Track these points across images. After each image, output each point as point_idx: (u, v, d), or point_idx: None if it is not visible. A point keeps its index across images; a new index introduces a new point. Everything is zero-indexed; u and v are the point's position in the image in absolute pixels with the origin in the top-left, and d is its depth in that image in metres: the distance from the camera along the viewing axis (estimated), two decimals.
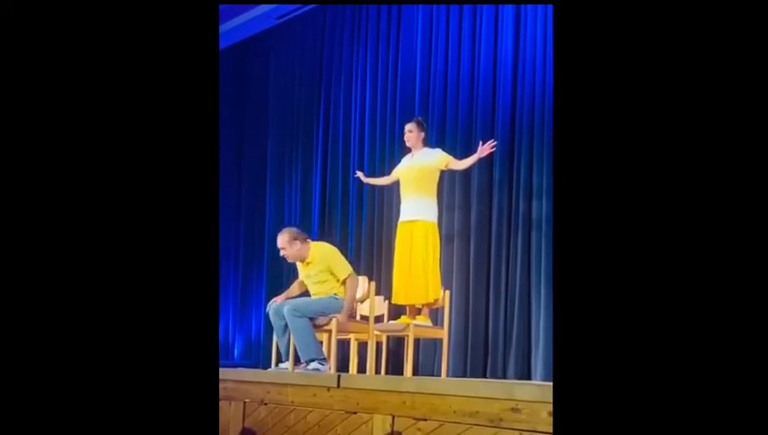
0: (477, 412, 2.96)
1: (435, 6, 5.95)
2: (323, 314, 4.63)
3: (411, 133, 4.93)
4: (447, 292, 4.91)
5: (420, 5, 6.09)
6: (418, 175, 4.85)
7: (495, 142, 4.79)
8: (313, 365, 4.49)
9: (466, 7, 5.73)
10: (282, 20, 7.34)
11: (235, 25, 7.58)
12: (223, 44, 7.99)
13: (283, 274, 7.04)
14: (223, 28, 7.70)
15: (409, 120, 5.08)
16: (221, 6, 7.29)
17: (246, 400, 4.11)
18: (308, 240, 4.84)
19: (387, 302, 5.19)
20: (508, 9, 5.46)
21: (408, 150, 5.00)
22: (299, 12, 7.14)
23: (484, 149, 4.70)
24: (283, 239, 4.75)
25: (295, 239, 4.73)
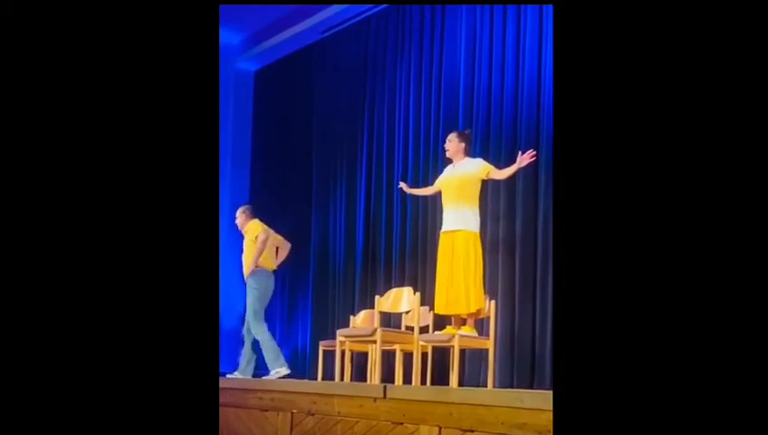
0: (525, 424, 2.94)
1: (478, 15, 5.94)
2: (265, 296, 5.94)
3: (451, 143, 4.94)
4: (493, 302, 4.88)
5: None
6: (459, 185, 4.84)
7: (535, 152, 4.76)
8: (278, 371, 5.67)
9: (510, 14, 5.71)
10: (326, 34, 7.44)
11: (279, 41, 7.71)
12: (269, 60, 8.14)
13: (329, 284, 7.10)
14: (268, 44, 7.83)
15: (452, 131, 5.10)
16: (255, 22, 7.45)
17: (294, 410, 4.15)
18: (253, 218, 6.16)
19: (432, 312, 5.19)
20: (552, 13, 5.41)
21: (451, 160, 5.02)
22: (343, 26, 7.22)
23: (524, 159, 4.67)
24: (239, 211, 6.23)
25: (243, 213, 6.17)
